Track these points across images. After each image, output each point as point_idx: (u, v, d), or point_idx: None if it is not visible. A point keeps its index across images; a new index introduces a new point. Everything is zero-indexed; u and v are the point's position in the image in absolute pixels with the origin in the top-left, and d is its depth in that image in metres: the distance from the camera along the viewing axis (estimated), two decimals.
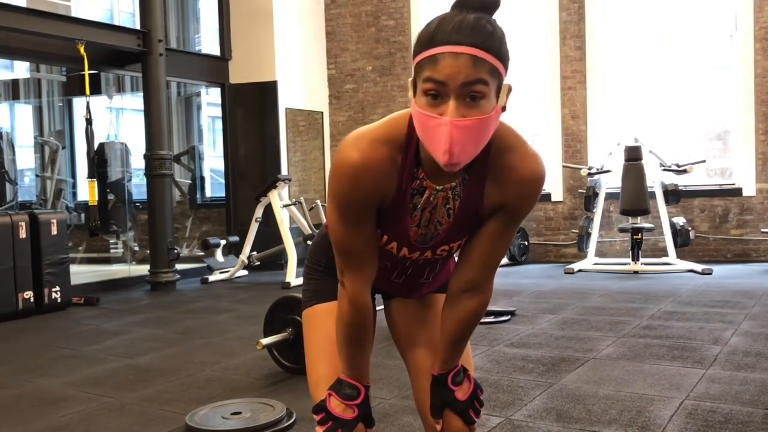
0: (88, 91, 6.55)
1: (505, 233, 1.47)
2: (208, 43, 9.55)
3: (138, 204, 8.90)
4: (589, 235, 7.46)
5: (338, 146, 1.39)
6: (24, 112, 11.09)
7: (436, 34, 1.23)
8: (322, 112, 8.99)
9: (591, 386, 3.21)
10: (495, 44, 1.24)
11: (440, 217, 1.47)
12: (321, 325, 1.63)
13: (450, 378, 1.57)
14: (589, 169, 7.55)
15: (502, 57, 1.26)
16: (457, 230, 1.48)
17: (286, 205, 7.33)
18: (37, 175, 10.20)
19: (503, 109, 1.31)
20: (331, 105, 9.08)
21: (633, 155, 7.28)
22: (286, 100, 8.34)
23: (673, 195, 7.28)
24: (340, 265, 1.49)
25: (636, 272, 6.99)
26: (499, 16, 1.29)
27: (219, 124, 9.03)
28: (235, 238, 7.85)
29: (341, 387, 1.53)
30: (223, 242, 7.77)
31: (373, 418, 1.58)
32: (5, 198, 8.59)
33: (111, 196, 8.45)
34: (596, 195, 7.47)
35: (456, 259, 1.58)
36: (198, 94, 10.17)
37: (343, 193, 1.37)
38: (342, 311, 1.51)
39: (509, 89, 1.30)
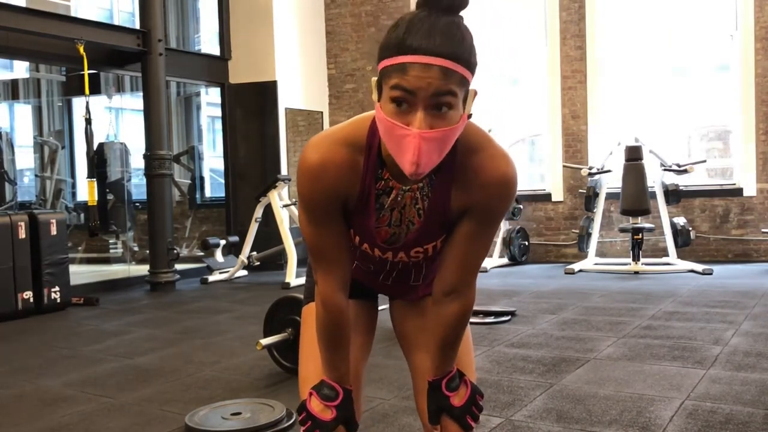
0: (87, 91, 6.55)
1: (479, 236, 1.45)
2: (207, 43, 9.55)
3: (138, 204, 8.89)
4: (589, 235, 7.46)
5: (303, 149, 1.40)
6: (23, 112, 11.08)
7: (405, 39, 1.20)
8: (322, 112, 8.98)
9: (591, 387, 3.21)
10: (465, 54, 1.22)
11: (411, 217, 1.46)
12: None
13: (444, 384, 1.54)
14: (590, 169, 7.55)
15: (471, 66, 1.24)
16: (428, 231, 1.47)
17: (286, 205, 7.32)
18: (36, 175, 10.20)
19: (469, 116, 1.29)
20: (331, 105, 9.08)
21: (633, 155, 7.28)
22: (286, 100, 8.34)
23: (673, 195, 7.28)
24: (313, 265, 1.50)
25: (636, 272, 6.99)
26: (471, 17, 1.27)
27: (219, 124, 9.02)
28: (234, 238, 7.85)
29: (321, 387, 1.53)
30: (222, 242, 7.77)
31: (356, 422, 1.56)
32: (5, 198, 8.58)
33: (110, 196, 8.44)
34: (597, 195, 7.46)
35: None
36: (198, 94, 10.16)
37: (305, 193, 1.39)
38: (317, 312, 1.51)
39: (475, 94, 1.28)
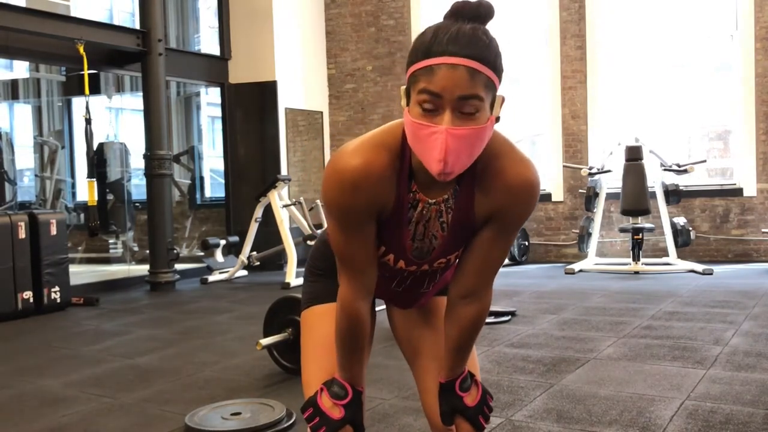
0: (87, 91, 6.55)
1: (500, 241, 1.45)
2: (207, 42, 9.55)
3: (137, 204, 8.89)
4: (589, 235, 7.45)
5: (334, 156, 1.35)
6: (23, 112, 11.08)
7: (432, 44, 1.22)
8: (322, 112, 8.98)
9: (591, 387, 3.20)
10: (491, 56, 1.23)
11: (434, 231, 1.45)
12: (316, 326, 1.63)
13: (457, 385, 1.56)
14: (590, 169, 7.55)
15: (497, 69, 1.25)
16: (453, 243, 1.47)
17: (286, 205, 7.32)
18: (36, 175, 10.19)
19: (497, 119, 1.30)
20: (331, 105, 9.08)
21: (633, 155, 7.28)
22: (286, 100, 8.33)
23: (673, 195, 7.28)
24: (340, 270, 1.47)
25: (637, 272, 6.99)
26: (494, 25, 1.30)
27: (219, 124, 9.02)
28: (234, 238, 7.84)
29: (332, 384, 1.53)
30: (222, 242, 7.76)
31: (363, 425, 1.56)
32: (5, 198, 8.57)
33: (110, 196, 8.45)
34: (597, 195, 7.46)
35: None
36: (198, 94, 10.16)
37: (342, 201, 1.34)
38: (337, 315, 1.50)
39: (503, 100, 1.30)
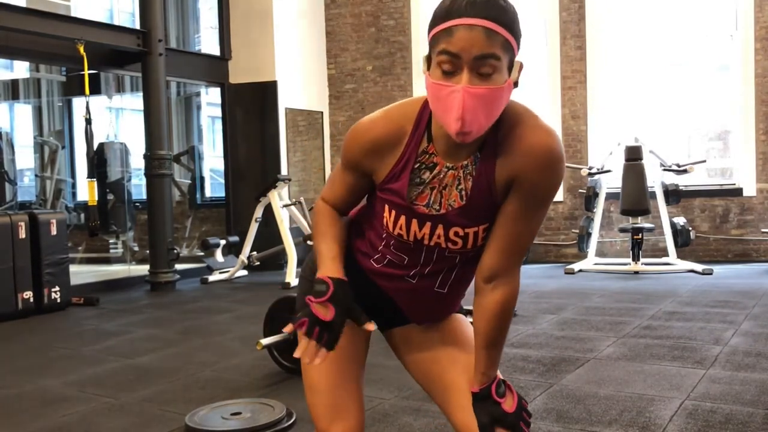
0: (87, 91, 6.55)
1: (524, 215, 1.42)
2: (207, 42, 9.55)
3: (138, 204, 8.89)
4: (589, 235, 7.45)
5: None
6: (24, 112, 11.08)
7: (451, 8, 1.28)
8: (322, 112, 8.98)
9: (591, 386, 3.21)
10: (508, 19, 1.29)
11: (452, 200, 1.43)
12: None
13: (494, 390, 1.48)
14: (590, 169, 7.55)
15: (515, 32, 1.31)
16: (471, 212, 1.43)
17: (286, 205, 7.32)
18: (36, 175, 10.20)
19: (515, 84, 1.35)
20: (331, 105, 9.08)
21: (633, 155, 7.28)
22: (286, 100, 8.33)
23: (673, 195, 7.28)
24: (325, 187, 1.62)
25: (636, 272, 6.99)
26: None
27: (219, 124, 9.03)
28: (235, 238, 7.84)
29: (313, 286, 1.46)
30: (222, 242, 7.76)
31: (363, 313, 1.47)
32: (5, 198, 8.57)
33: (110, 196, 8.44)
34: (596, 195, 7.46)
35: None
36: (198, 94, 10.16)
37: (345, 146, 1.49)
38: (316, 208, 1.61)
39: (521, 66, 1.35)
